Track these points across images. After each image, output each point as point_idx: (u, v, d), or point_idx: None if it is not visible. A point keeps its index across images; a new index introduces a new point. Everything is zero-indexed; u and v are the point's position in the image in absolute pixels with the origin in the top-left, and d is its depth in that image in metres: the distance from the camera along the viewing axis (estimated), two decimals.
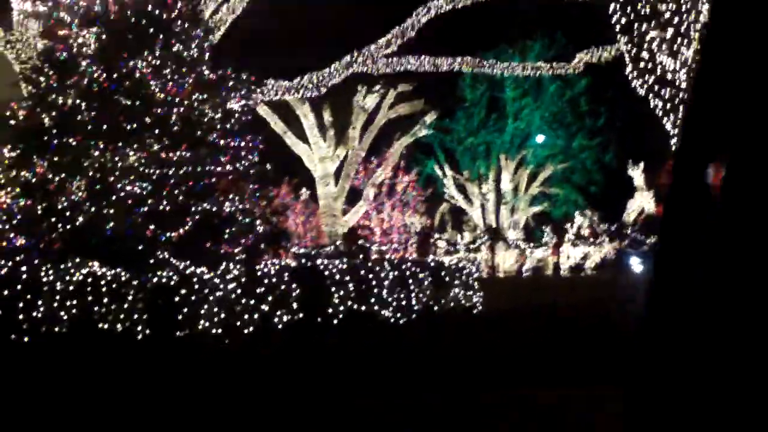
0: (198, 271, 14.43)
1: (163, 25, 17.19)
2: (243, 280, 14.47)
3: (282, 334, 14.08)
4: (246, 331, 13.96)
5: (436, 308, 16.69)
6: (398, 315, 15.58)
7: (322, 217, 32.36)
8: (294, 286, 14.79)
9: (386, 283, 15.62)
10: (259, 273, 14.71)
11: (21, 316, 13.41)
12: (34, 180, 16.10)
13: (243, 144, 17.33)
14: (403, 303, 15.77)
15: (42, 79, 17.04)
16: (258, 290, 14.43)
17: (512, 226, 40.52)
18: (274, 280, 14.65)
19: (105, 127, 16.21)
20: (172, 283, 14.10)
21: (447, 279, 17.10)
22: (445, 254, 34.00)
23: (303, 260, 17.14)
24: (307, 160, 31.61)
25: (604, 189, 43.88)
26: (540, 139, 42.69)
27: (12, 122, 16.97)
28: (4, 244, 15.82)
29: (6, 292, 13.53)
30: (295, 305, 14.71)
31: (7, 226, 16.00)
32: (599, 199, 43.00)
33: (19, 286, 13.62)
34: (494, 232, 38.54)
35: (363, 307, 15.26)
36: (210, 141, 16.91)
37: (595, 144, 44.25)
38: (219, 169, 16.82)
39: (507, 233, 39.35)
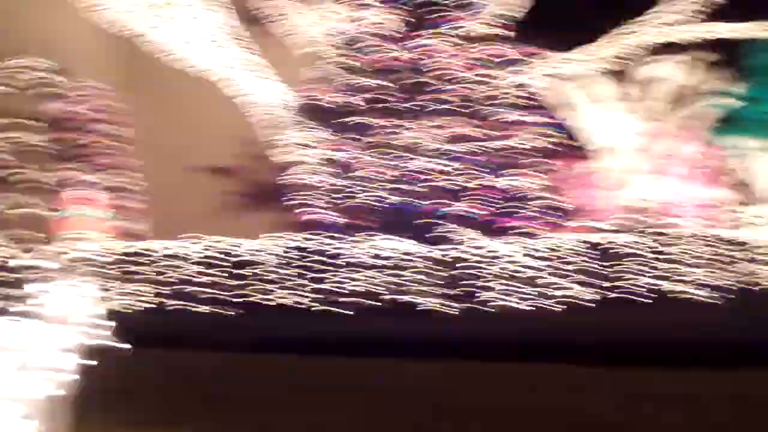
0: (497, 246, 14.60)
1: (455, 2, 17.51)
2: (537, 254, 14.46)
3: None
4: (543, 305, 13.95)
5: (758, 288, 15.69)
6: (711, 294, 14.75)
7: (615, 189, 31.62)
8: (588, 260, 14.53)
9: (693, 259, 14.87)
10: (549, 247, 14.62)
11: (338, 289, 14.30)
12: (343, 160, 16.96)
13: (537, 119, 17.32)
14: (715, 281, 14.92)
15: (346, 62, 17.88)
16: (550, 265, 14.33)
17: None
18: (567, 254, 14.48)
19: (406, 106, 16.77)
20: (472, 257, 14.38)
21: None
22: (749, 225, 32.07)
23: (598, 234, 16.77)
24: (597, 133, 30.92)
25: None
26: None
27: (320, 105, 17.97)
28: (318, 220, 16.83)
29: (321, 267, 14.46)
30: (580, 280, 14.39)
31: (320, 204, 17.00)
32: None
33: (332, 261, 14.49)
34: None
35: (667, 284, 14.68)
36: (505, 117, 17.05)
37: None
38: (516, 144, 16.91)
39: None
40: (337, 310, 14.16)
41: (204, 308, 14.92)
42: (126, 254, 16.07)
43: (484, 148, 16.77)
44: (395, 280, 14.42)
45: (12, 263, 16.56)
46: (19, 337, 5.40)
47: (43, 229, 21.18)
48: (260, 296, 14.65)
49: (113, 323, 5.22)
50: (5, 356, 5.44)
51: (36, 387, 5.23)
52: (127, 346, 5.17)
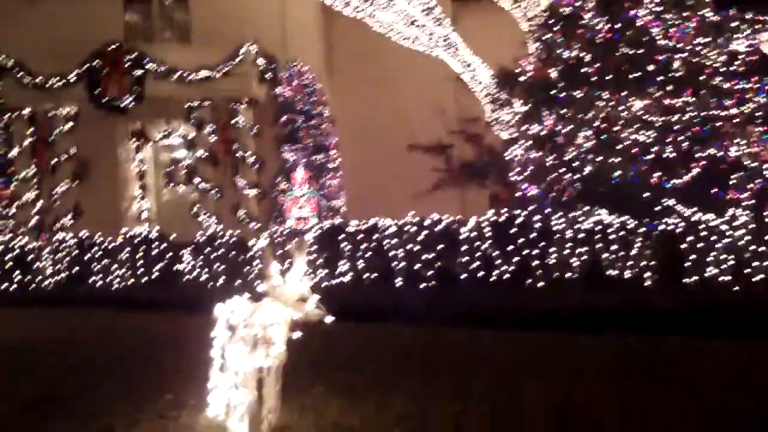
0: (704, 218, 14.32)
1: None
2: (751, 226, 14.05)
3: None
4: (755, 279, 13.57)
5: None
6: None
7: None
8: None
9: None
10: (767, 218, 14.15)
11: (536, 262, 14.52)
12: (543, 132, 17.08)
13: (749, 86, 16.68)
14: None
15: (548, 34, 17.92)
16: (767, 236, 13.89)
17: None
18: None
19: (609, 77, 16.63)
20: (679, 230, 14.19)
21: None
22: None
23: None
24: None
25: None
26: None
27: (521, 78, 18.15)
28: (518, 193, 17.09)
29: (522, 239, 14.71)
30: None
31: (520, 177, 17.25)
32: None
33: (533, 234, 14.71)
34: None
35: None
36: (714, 85, 16.55)
37: None
38: (724, 113, 16.40)
39: None
40: (539, 284, 14.39)
41: (401, 281, 15.56)
42: (328, 230, 16.95)
43: (694, 118, 16.34)
44: (604, 254, 14.46)
45: (250, 243, 17.85)
46: (241, 311, 5.99)
47: (274, 209, 22.56)
48: (459, 270, 15.08)
49: (319, 297, 5.65)
50: (224, 329, 6.07)
51: (249, 358, 5.79)
52: (331, 318, 5.61)
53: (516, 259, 14.77)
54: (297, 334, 5.77)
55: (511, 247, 14.82)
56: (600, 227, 14.58)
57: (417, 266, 15.45)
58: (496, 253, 14.94)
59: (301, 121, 23.03)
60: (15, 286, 19.48)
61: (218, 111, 23.77)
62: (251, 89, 23.91)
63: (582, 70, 16.88)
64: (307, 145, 22.94)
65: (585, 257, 14.46)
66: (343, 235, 16.45)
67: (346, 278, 16.21)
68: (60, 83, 23.59)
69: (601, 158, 16.20)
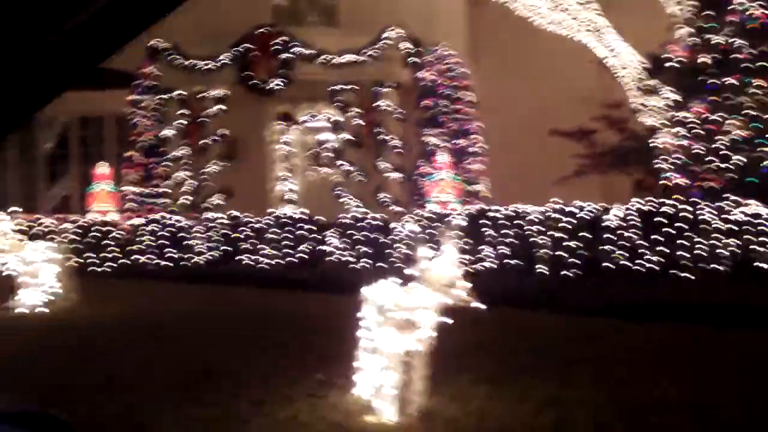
0: None
1: None
2: None
3: None
4: None
5: None
6: None
7: None
8: None
9: None
10: None
11: (682, 253, 14.21)
12: (692, 120, 16.66)
13: None
14: None
15: (698, 19, 17.46)
16: None
17: None
18: None
19: (763, 64, 16.09)
20: None
21: None
22: None
23: None
24: None
25: None
26: None
27: (670, 64, 17.74)
28: (665, 182, 16.71)
29: (668, 229, 14.42)
30: None
31: (667, 165, 16.87)
32: None
33: (679, 224, 14.40)
34: None
35: None
36: None
37: None
38: None
39: None
40: (682, 275, 14.09)
41: (544, 268, 15.44)
42: (471, 215, 16.99)
43: None
44: (754, 246, 14.09)
45: (393, 226, 18.05)
46: (390, 294, 6.14)
47: (416, 192, 22.72)
48: (602, 259, 14.87)
49: (469, 283, 5.75)
50: (374, 313, 6.24)
51: (398, 341, 5.96)
52: (481, 305, 5.71)
53: (661, 249, 14.48)
54: (445, 319, 5.90)
55: (656, 237, 14.55)
56: (750, 218, 14.17)
57: (559, 253, 15.33)
58: (641, 242, 14.68)
59: (444, 105, 23.14)
60: (167, 262, 20.28)
61: (362, 94, 24.08)
62: (395, 73, 24.10)
63: (735, 57, 16.39)
64: (449, 128, 23.04)
65: (734, 249, 14.08)
66: (485, 220, 16.46)
67: (489, 264, 16.20)
68: (211, 66, 24.37)
69: (752, 147, 15.71)
